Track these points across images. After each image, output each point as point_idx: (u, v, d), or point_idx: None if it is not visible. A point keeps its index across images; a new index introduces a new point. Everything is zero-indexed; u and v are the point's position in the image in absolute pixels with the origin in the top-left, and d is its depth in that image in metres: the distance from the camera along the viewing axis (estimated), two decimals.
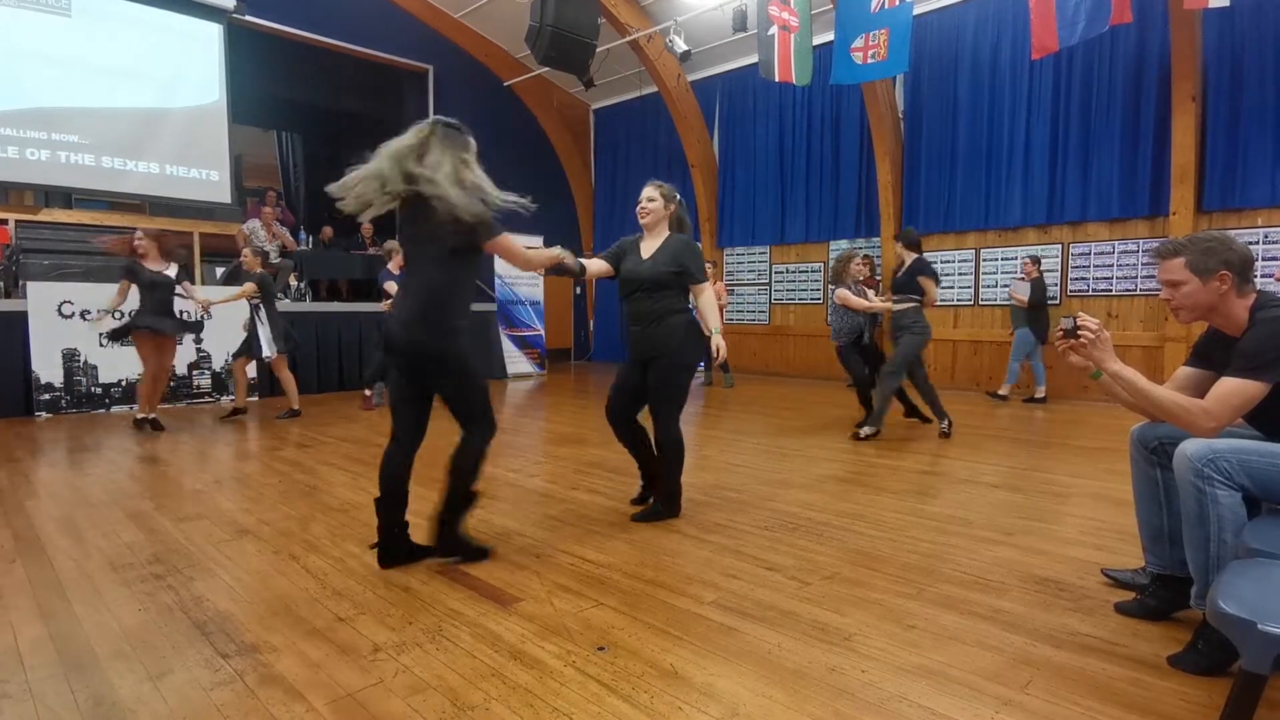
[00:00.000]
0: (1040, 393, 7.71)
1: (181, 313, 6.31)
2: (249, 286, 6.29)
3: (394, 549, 2.76)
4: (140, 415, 5.92)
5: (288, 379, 6.64)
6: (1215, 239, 2.07)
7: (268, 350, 6.34)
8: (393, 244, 6.85)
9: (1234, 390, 1.95)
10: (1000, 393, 7.89)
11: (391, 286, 6.67)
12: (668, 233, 3.36)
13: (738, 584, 2.59)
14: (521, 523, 3.36)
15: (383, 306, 7.18)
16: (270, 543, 3.05)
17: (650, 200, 3.33)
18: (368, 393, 7.35)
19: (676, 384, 3.30)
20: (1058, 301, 8.11)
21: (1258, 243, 6.86)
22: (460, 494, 2.76)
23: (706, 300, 3.34)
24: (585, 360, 13.86)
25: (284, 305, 8.51)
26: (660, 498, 3.45)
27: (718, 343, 3.28)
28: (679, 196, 3.44)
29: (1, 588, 2.55)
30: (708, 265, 9.55)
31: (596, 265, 3.38)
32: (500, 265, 10.96)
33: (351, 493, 3.91)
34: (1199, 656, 1.93)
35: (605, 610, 2.36)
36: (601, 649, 2.08)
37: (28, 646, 2.10)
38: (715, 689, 1.86)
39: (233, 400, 6.99)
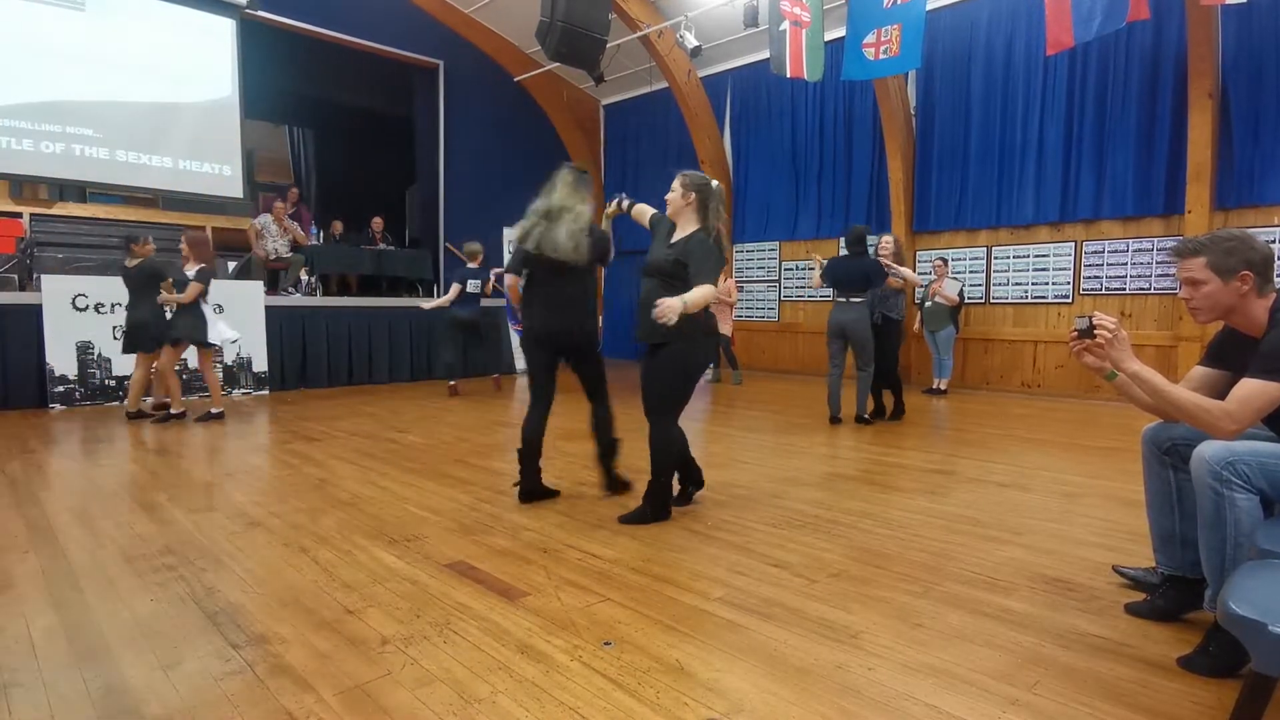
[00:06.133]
0: (944, 385, 8.22)
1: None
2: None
3: (532, 489, 3.58)
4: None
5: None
6: (1236, 238, 2.03)
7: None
8: (475, 246, 8.04)
9: (1256, 392, 1.91)
10: (942, 388, 8.18)
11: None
12: (695, 226, 3.24)
13: (745, 580, 2.59)
14: (528, 518, 3.37)
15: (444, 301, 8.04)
16: (280, 535, 3.08)
17: (671, 191, 3.30)
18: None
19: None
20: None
21: (1274, 241, 6.78)
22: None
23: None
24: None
25: (294, 300, 8.58)
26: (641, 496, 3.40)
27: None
28: (712, 186, 3.27)
29: (15, 577, 2.58)
30: None
31: (640, 210, 3.64)
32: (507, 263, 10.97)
33: (361, 486, 3.93)
34: (1209, 658, 1.92)
35: (612, 605, 2.36)
36: (608, 644, 2.09)
37: (40, 636, 2.12)
38: (721, 685, 1.87)
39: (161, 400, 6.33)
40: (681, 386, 3.27)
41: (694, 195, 3.23)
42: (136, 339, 5.97)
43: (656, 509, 3.30)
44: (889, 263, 6.10)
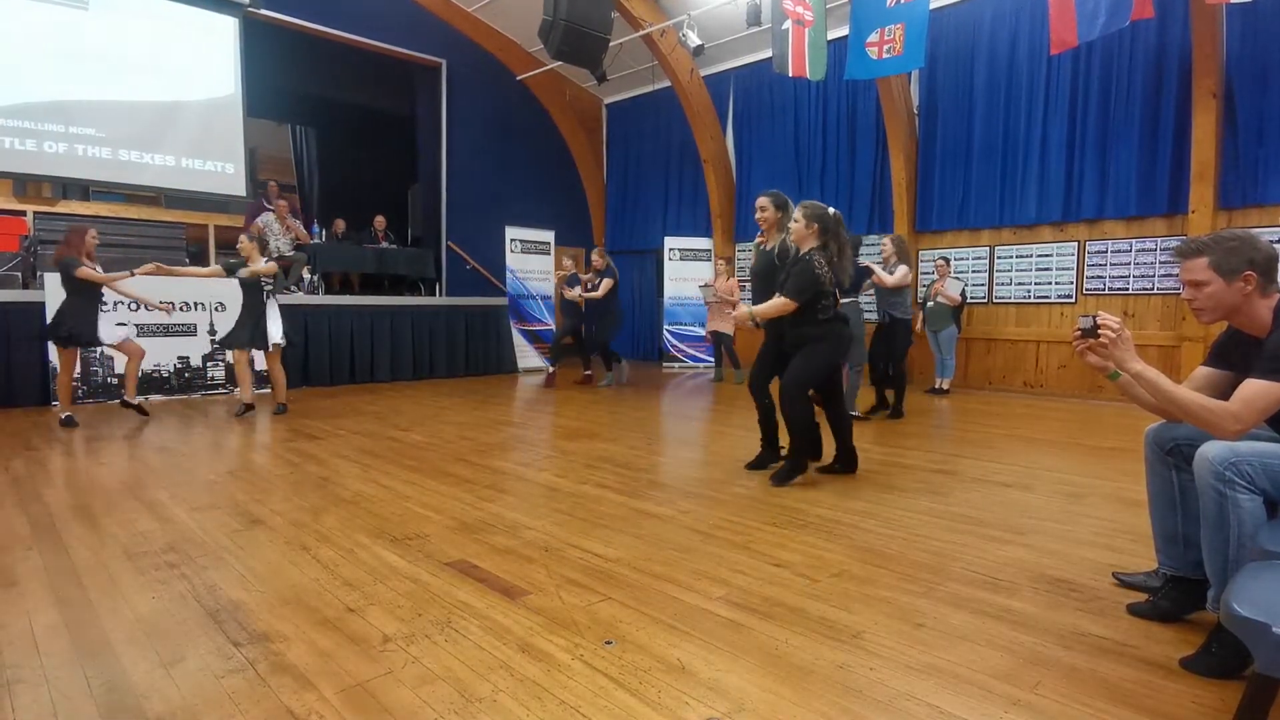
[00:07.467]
0: (946, 385, 8.24)
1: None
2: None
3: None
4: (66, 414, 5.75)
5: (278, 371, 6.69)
6: (1239, 238, 2.02)
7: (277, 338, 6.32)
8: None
9: (1260, 393, 1.90)
10: (944, 388, 8.18)
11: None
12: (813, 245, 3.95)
13: (746, 580, 2.59)
14: (530, 516, 3.37)
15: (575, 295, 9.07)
16: (282, 533, 3.08)
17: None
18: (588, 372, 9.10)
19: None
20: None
21: (1278, 241, 6.75)
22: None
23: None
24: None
25: (296, 299, 8.58)
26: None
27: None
28: (830, 213, 3.90)
29: (18, 575, 2.59)
30: (720, 262, 9.64)
31: None
32: (511, 259, 10.98)
33: (363, 484, 3.93)
34: (1212, 659, 1.91)
35: (613, 604, 2.36)
36: (609, 643, 2.09)
37: (43, 632, 2.12)
38: (722, 684, 1.86)
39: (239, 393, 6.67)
40: (815, 374, 3.99)
41: (816, 225, 3.85)
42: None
43: (799, 464, 4.00)
44: (866, 263, 6.31)
